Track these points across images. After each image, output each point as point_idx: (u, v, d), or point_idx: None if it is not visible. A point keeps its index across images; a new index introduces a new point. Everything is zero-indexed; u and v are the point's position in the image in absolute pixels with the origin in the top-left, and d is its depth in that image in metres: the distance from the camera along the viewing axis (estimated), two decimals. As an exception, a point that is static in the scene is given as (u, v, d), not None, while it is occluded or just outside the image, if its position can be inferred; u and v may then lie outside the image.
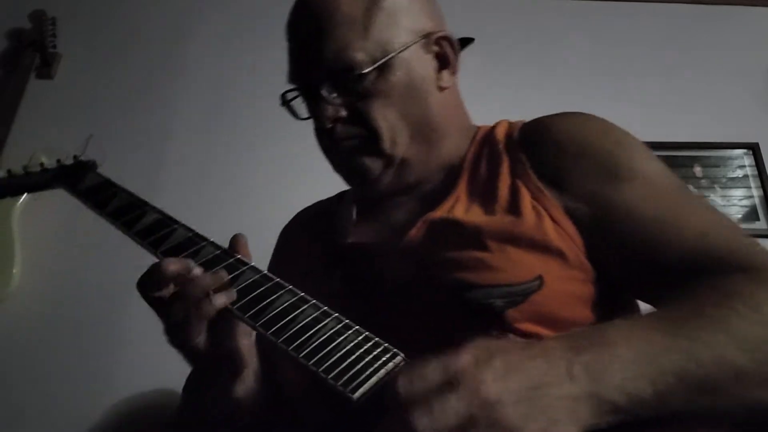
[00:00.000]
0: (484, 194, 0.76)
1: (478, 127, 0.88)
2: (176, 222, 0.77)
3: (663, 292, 0.62)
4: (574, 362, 0.49)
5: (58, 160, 0.99)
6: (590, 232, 0.71)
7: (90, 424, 1.56)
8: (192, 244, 0.73)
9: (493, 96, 2.00)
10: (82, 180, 0.90)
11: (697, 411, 0.52)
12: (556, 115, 0.81)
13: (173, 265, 0.65)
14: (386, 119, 0.77)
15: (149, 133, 2.00)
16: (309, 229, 0.95)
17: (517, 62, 2.11)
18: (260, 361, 0.76)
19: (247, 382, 0.74)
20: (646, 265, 0.68)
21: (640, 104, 1.99)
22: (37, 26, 2.06)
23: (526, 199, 0.73)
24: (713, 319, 0.54)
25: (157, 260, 0.68)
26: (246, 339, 0.71)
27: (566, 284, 0.68)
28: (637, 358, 0.50)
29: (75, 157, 0.99)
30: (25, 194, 1.79)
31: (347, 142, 0.79)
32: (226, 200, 1.87)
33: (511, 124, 0.84)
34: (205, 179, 1.92)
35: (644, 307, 0.75)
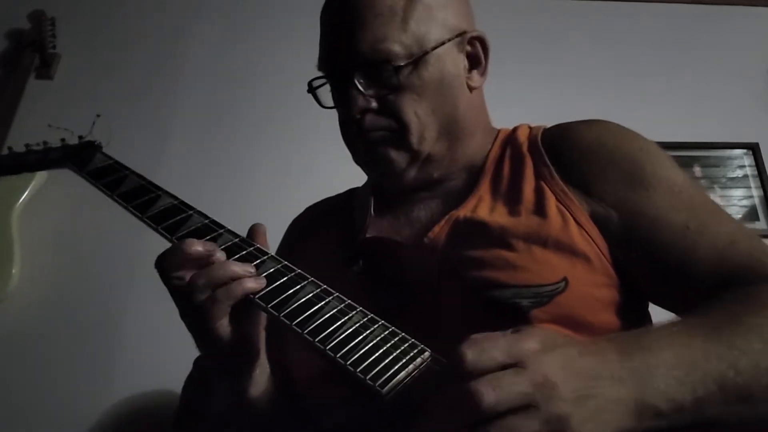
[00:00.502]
0: (507, 195, 0.77)
1: (499, 130, 0.89)
2: (191, 208, 0.75)
3: (689, 298, 0.62)
4: (622, 365, 0.49)
5: (63, 140, 0.96)
6: (617, 238, 0.71)
7: (89, 425, 1.56)
8: (209, 231, 0.71)
9: (493, 96, 1.99)
10: (89, 161, 0.87)
11: (731, 419, 0.52)
12: (581, 121, 0.82)
13: (197, 245, 0.64)
14: (417, 114, 0.77)
15: (149, 133, 2.00)
16: (322, 223, 0.94)
17: (517, 62, 2.10)
18: (268, 356, 0.75)
19: (257, 378, 0.72)
20: (673, 272, 0.69)
21: (640, 104, 1.99)
22: (36, 26, 2.06)
23: (551, 202, 0.73)
24: (749, 327, 0.55)
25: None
26: (263, 331, 0.69)
27: (590, 288, 0.69)
28: (679, 364, 0.50)
29: (80, 137, 0.96)
30: (26, 192, 1.80)
31: (375, 134, 0.78)
32: (226, 200, 1.86)
33: (532, 128, 0.85)
34: (204, 179, 1.92)
35: (658, 314, 0.74)
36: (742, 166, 1.95)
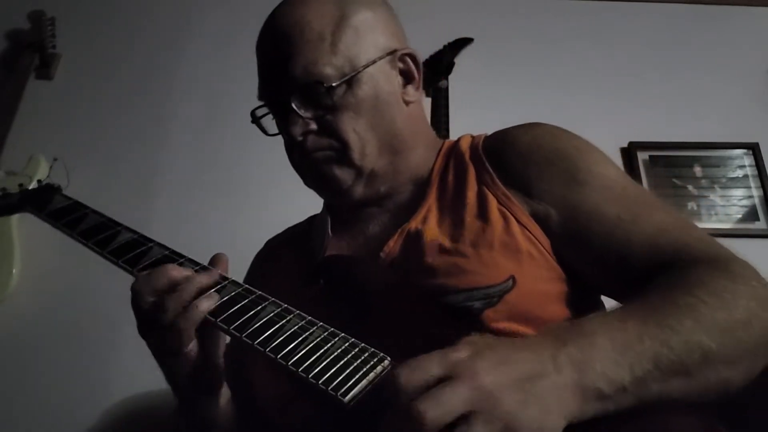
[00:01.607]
0: (453, 203, 0.81)
1: (443, 141, 0.92)
2: (151, 240, 0.78)
3: (628, 286, 0.66)
4: (558, 354, 0.52)
5: (20, 185, 0.99)
6: (557, 234, 0.75)
7: (88, 425, 1.56)
8: (170, 261, 0.73)
9: (493, 96, 2.00)
10: (48, 202, 0.91)
11: (674, 396, 0.55)
12: (519, 126, 0.85)
13: (175, 271, 0.67)
14: (355, 131, 0.80)
15: (148, 133, 2.00)
16: (283, 251, 0.98)
17: (517, 62, 2.11)
18: (231, 376, 0.79)
19: (221, 402, 0.76)
20: (610, 261, 0.73)
21: (640, 104, 1.99)
22: (36, 26, 2.06)
23: (492, 205, 0.77)
24: (680, 307, 0.59)
25: (134, 279, 0.69)
26: (222, 356, 0.73)
27: (537, 283, 0.72)
28: (614, 346, 0.54)
29: (39, 181, 0.99)
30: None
31: (318, 154, 0.81)
32: (224, 200, 1.87)
33: (474, 137, 0.89)
34: (203, 179, 1.92)
35: (610, 303, 0.78)
36: (742, 166, 1.95)
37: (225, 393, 0.78)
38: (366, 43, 0.82)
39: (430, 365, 0.49)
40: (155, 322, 0.66)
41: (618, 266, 0.72)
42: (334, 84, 0.78)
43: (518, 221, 0.75)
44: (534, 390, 0.49)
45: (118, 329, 1.64)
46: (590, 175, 0.77)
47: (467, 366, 0.48)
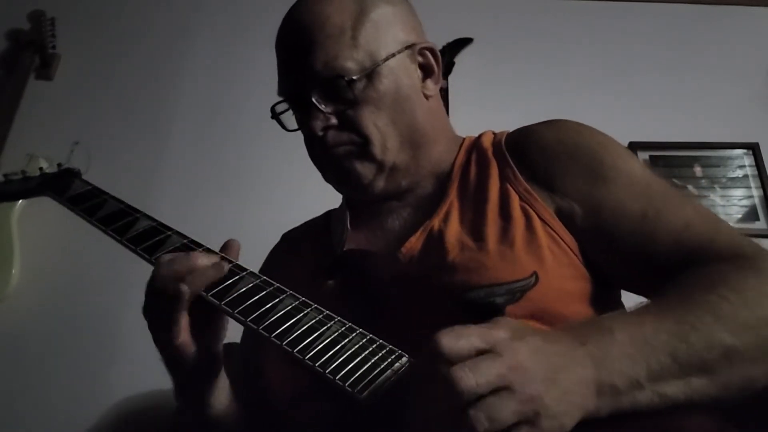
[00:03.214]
0: (475, 199, 0.80)
1: (464, 138, 0.92)
2: (170, 228, 0.78)
3: (653, 281, 0.66)
4: (579, 350, 0.53)
5: (41, 168, 0.98)
6: (582, 230, 0.75)
7: (88, 424, 1.56)
8: (189, 250, 0.73)
9: (493, 96, 2.00)
10: (68, 188, 0.90)
11: (697, 397, 0.55)
12: (542, 122, 0.85)
13: (200, 259, 0.68)
14: (376, 125, 0.80)
15: (148, 133, 2.00)
16: (300, 246, 0.98)
17: (517, 63, 2.11)
18: (243, 368, 0.79)
19: (219, 393, 0.76)
20: (635, 257, 0.73)
21: (640, 104, 1.99)
22: (36, 26, 2.06)
23: (515, 202, 0.77)
24: (700, 304, 0.58)
25: (152, 267, 0.69)
26: (221, 347, 0.73)
27: (560, 281, 0.72)
28: (632, 342, 0.54)
29: (59, 165, 0.98)
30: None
31: (339, 149, 0.81)
32: (226, 200, 1.87)
33: (495, 134, 0.89)
34: (204, 179, 1.92)
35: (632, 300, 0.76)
36: (742, 166, 1.95)
37: (225, 387, 0.78)
38: (386, 37, 0.82)
39: (474, 337, 0.49)
40: (166, 303, 0.66)
41: (643, 262, 0.72)
42: (354, 78, 0.78)
43: (541, 218, 0.75)
44: (561, 380, 0.50)
45: (118, 329, 1.64)
46: (615, 170, 0.76)
47: (508, 345, 0.49)
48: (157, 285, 0.67)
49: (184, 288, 0.65)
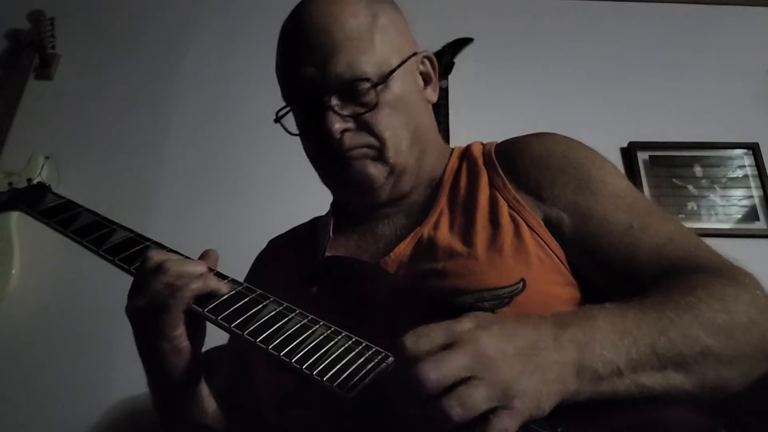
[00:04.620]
0: (464, 206, 0.82)
1: (453, 148, 0.94)
2: (148, 239, 0.78)
3: (635, 291, 0.67)
4: (560, 333, 0.54)
5: (10, 183, 0.98)
6: (569, 239, 0.77)
7: (88, 425, 1.56)
8: None
9: (493, 96, 2.00)
10: (39, 201, 0.90)
11: (673, 391, 0.57)
12: (531, 134, 0.87)
13: (191, 266, 0.69)
14: (392, 129, 0.81)
15: (148, 134, 2.00)
16: (284, 252, 0.98)
17: (517, 63, 2.11)
18: (233, 370, 0.80)
19: (200, 396, 0.78)
20: (618, 267, 0.74)
21: (640, 104, 1.99)
22: (35, 26, 2.06)
23: (504, 210, 0.79)
24: (679, 304, 0.61)
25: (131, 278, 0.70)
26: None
27: (547, 286, 0.73)
28: (614, 331, 0.56)
29: (28, 180, 0.99)
30: None
31: (356, 151, 0.81)
32: (224, 200, 1.87)
33: (485, 144, 0.90)
34: (203, 179, 1.92)
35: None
36: (742, 166, 1.95)
37: (205, 391, 0.79)
38: (397, 43, 0.84)
39: (435, 333, 0.51)
40: (152, 305, 0.67)
41: (625, 272, 0.73)
42: (376, 81, 0.79)
43: (529, 226, 0.77)
44: (534, 361, 0.51)
45: (118, 329, 1.64)
46: (602, 183, 0.79)
47: (471, 334, 0.51)
48: (152, 291, 0.67)
49: (185, 293, 0.66)
